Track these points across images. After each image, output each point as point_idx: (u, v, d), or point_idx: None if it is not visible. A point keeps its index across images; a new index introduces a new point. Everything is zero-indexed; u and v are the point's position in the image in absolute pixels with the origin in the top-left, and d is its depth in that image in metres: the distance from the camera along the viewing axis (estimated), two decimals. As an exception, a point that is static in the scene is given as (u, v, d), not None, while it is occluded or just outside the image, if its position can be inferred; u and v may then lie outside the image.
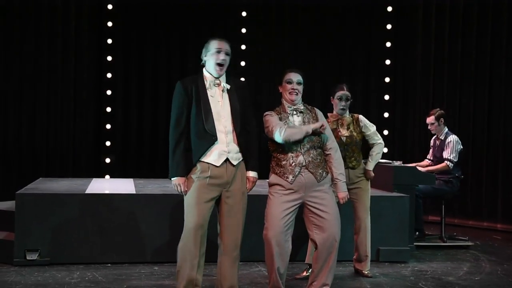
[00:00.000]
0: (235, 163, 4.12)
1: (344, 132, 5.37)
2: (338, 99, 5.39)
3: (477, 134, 8.69)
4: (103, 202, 5.61)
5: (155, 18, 9.06)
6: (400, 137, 9.51)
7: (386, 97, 9.48)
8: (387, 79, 9.46)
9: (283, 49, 9.34)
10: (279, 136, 4.26)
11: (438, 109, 7.23)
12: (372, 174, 5.43)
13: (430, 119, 7.08)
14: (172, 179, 4.07)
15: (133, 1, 8.95)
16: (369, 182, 5.48)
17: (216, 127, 4.06)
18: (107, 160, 8.89)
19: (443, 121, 7.06)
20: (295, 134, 4.27)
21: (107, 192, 6.08)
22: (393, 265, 5.86)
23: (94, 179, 7.40)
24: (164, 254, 5.56)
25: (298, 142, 4.31)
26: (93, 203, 5.58)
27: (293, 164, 4.31)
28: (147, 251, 5.64)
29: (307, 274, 5.16)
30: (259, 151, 4.27)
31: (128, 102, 9.05)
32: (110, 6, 8.87)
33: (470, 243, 6.94)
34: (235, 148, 4.13)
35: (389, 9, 9.43)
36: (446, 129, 7.07)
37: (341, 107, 5.38)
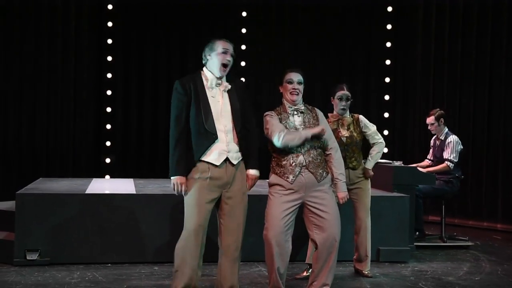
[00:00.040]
0: (235, 162, 4.13)
1: (344, 133, 5.37)
2: (338, 99, 5.39)
3: (477, 134, 8.69)
4: (103, 202, 5.61)
5: (155, 18, 9.06)
6: (400, 137, 9.51)
7: (386, 97, 9.48)
8: (387, 79, 9.46)
9: (283, 49, 9.34)
10: (277, 141, 4.27)
11: (438, 109, 7.22)
12: (371, 173, 5.43)
13: (430, 119, 7.08)
14: (171, 178, 4.06)
15: (133, 1, 8.95)
16: (370, 182, 5.47)
17: (216, 126, 4.07)
18: (107, 160, 8.89)
19: (443, 121, 7.06)
20: (294, 140, 4.27)
21: (107, 192, 6.08)
22: (393, 265, 5.86)
23: (94, 179, 7.40)
24: (164, 254, 5.55)
25: (299, 142, 4.33)
26: (93, 203, 5.58)
27: (293, 164, 4.31)
28: (147, 251, 5.64)
29: (307, 274, 5.16)
30: (259, 151, 4.27)
31: (128, 102, 9.05)
32: (110, 6, 8.87)
33: (470, 243, 6.94)
34: (235, 147, 4.14)
35: (389, 9, 9.43)
36: (446, 129, 7.07)
37: (342, 107, 5.38)
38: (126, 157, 9.03)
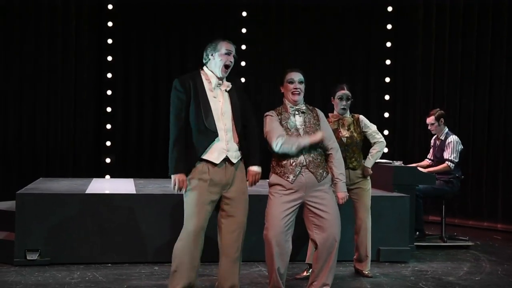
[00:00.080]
0: (234, 161, 4.13)
1: (344, 133, 5.37)
2: (338, 99, 5.39)
3: (477, 134, 8.69)
4: (103, 202, 5.60)
5: (155, 18, 9.06)
6: (400, 137, 9.51)
7: (386, 97, 9.47)
8: (387, 79, 9.46)
9: (283, 49, 9.34)
10: (275, 147, 4.30)
11: (438, 109, 7.22)
12: (370, 171, 5.41)
13: (430, 119, 7.07)
14: (172, 175, 4.06)
15: (133, 1, 8.94)
16: (370, 182, 5.47)
17: (216, 125, 4.07)
18: (107, 160, 8.88)
19: (443, 121, 7.06)
20: (291, 148, 4.28)
21: (107, 192, 6.08)
22: (394, 265, 5.86)
23: (94, 179, 7.40)
24: (164, 254, 5.54)
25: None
26: (93, 203, 5.57)
27: (293, 163, 4.31)
28: (147, 251, 5.64)
29: (307, 274, 5.16)
30: (259, 151, 4.27)
31: (128, 102, 9.05)
32: (110, 6, 8.86)
33: (470, 243, 6.94)
34: (235, 146, 4.14)
35: (389, 9, 9.43)
36: (446, 129, 7.07)
37: (342, 107, 5.38)
38: (126, 157, 9.03)
